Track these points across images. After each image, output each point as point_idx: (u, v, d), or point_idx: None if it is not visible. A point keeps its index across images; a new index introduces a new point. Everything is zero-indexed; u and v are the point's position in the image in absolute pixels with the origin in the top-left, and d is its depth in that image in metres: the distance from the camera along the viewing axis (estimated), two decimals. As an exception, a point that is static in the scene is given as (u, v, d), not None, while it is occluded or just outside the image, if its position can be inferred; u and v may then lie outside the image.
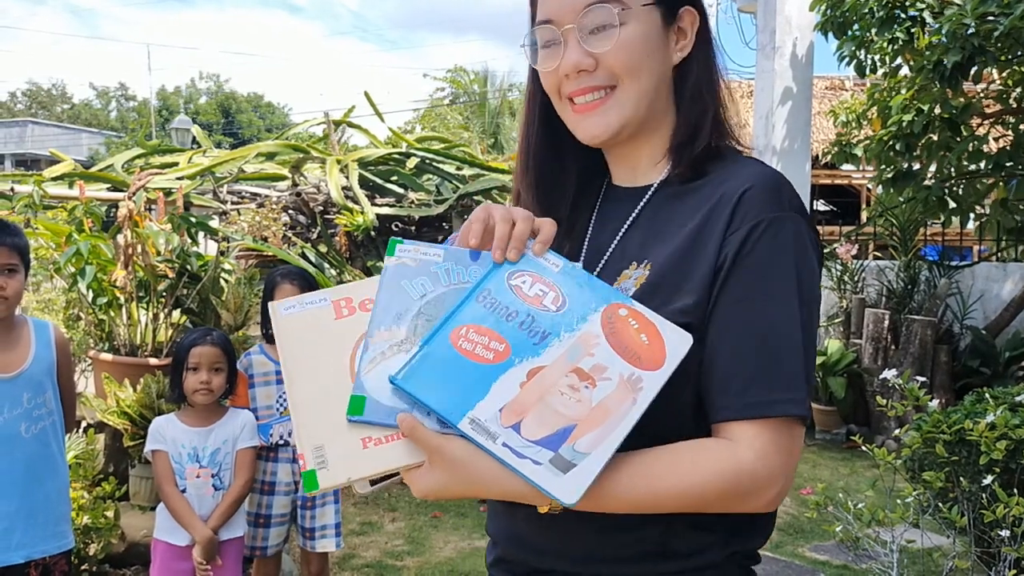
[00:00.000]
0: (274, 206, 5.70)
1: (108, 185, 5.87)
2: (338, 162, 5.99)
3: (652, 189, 1.20)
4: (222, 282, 4.48)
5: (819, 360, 7.30)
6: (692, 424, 1.06)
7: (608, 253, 1.19)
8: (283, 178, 6.38)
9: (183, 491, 2.82)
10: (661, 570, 1.09)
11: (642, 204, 1.19)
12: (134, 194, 4.33)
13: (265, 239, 5.45)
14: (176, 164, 6.28)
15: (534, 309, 1.03)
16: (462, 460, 0.97)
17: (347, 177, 5.88)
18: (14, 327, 2.35)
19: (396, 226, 6.53)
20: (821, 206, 15.29)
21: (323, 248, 6.15)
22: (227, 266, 4.65)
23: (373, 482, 1.02)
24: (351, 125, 7.81)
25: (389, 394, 0.98)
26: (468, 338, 1.00)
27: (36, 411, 2.32)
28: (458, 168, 6.57)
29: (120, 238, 4.15)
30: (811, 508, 3.59)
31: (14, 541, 2.27)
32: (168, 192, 5.03)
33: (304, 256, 5.87)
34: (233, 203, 6.04)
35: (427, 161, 6.49)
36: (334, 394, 0.99)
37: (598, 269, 1.19)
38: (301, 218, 6.44)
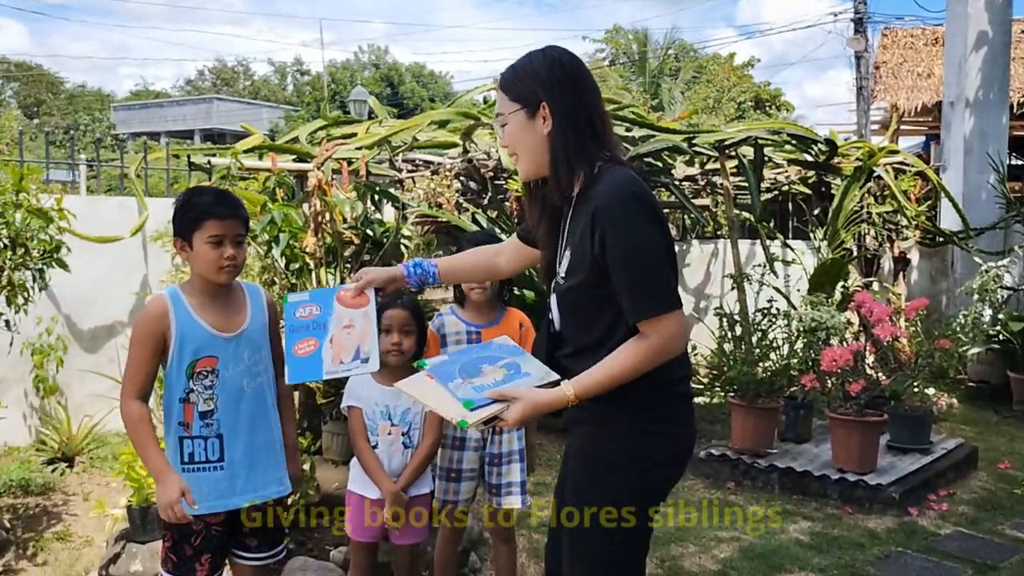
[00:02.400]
0: (447, 173, 5.82)
1: (294, 156, 6.17)
2: (508, 128, 6.02)
3: (572, 199, 2.10)
4: (402, 247, 4.65)
5: (1018, 327, 6.77)
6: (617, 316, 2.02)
7: (564, 239, 2.13)
8: (455, 145, 6.49)
9: (375, 447, 2.94)
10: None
11: (570, 208, 2.11)
12: (322, 164, 4.53)
13: (440, 205, 5.58)
14: (354, 135, 6.51)
15: (310, 320, 2.29)
16: (524, 395, 2.00)
17: (517, 142, 5.90)
18: (232, 291, 2.53)
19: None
20: (1016, 160, 14.03)
21: (494, 213, 6.25)
22: (406, 232, 4.81)
23: (485, 423, 1.96)
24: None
25: (472, 391, 2.00)
26: (299, 348, 2.29)
27: (255, 367, 2.49)
28: (628, 130, 6.46)
29: (306, 207, 4.37)
30: (1018, 484, 3.36)
31: (238, 487, 2.46)
32: (350, 161, 5.24)
33: (475, 221, 5.97)
34: (408, 171, 6.21)
35: (596, 124, 6.41)
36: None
37: (563, 251, 2.13)
38: (472, 184, 6.54)
